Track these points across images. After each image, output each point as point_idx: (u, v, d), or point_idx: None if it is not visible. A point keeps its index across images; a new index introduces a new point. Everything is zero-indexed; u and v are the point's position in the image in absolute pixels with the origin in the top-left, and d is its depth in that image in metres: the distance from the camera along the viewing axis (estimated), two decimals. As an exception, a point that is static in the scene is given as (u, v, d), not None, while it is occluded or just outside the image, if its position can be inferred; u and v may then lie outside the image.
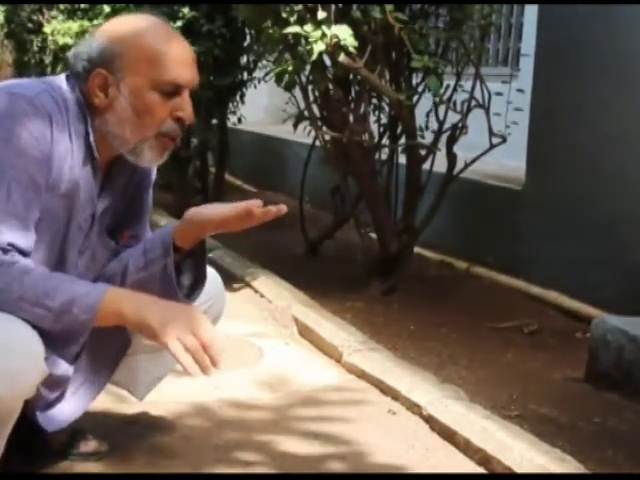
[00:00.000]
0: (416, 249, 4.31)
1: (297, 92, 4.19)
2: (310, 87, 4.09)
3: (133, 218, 2.10)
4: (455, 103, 3.94)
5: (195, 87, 1.90)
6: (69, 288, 1.74)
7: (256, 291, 3.96)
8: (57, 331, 1.77)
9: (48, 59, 8.59)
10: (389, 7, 3.53)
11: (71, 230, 1.90)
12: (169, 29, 1.90)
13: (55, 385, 1.99)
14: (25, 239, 1.76)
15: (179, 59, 1.85)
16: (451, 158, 3.98)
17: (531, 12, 5.02)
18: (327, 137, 4.17)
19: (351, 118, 3.96)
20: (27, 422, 1.97)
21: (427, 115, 4.07)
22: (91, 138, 1.87)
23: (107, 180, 1.98)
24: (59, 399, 2.04)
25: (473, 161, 4.01)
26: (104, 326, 1.80)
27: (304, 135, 4.59)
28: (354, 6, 3.62)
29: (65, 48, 6.58)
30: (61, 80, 1.90)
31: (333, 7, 3.50)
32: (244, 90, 5.74)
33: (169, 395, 2.50)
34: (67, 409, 2.06)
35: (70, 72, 1.90)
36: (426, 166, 4.08)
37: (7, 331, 1.70)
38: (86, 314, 1.73)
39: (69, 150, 1.84)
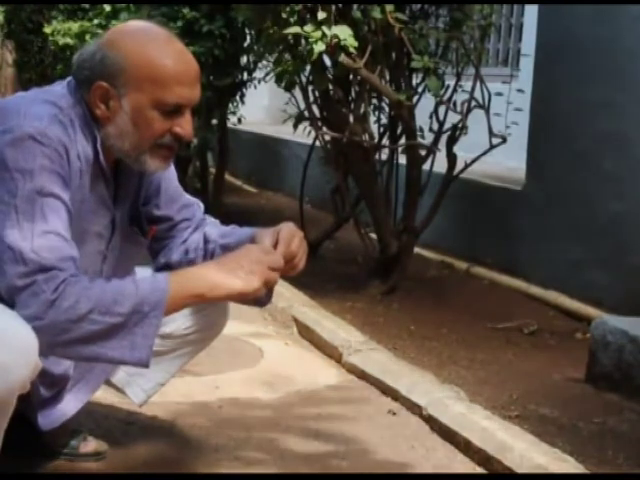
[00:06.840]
0: (416, 249, 4.31)
1: (297, 92, 4.19)
2: (310, 87, 4.09)
3: (161, 209, 2.10)
4: (455, 103, 3.94)
5: (196, 103, 1.89)
6: (134, 289, 1.77)
7: (256, 291, 3.95)
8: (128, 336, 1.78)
9: (48, 59, 8.60)
10: (389, 7, 3.53)
11: (88, 240, 1.93)
12: (174, 43, 1.86)
13: (54, 383, 2.00)
14: (73, 251, 1.79)
15: (182, 79, 1.84)
16: (451, 158, 3.98)
17: (531, 12, 5.02)
18: (327, 137, 4.18)
19: (351, 118, 3.96)
20: (26, 423, 1.97)
21: (430, 117, 4.07)
22: (101, 157, 1.88)
23: (119, 186, 2.00)
24: (56, 397, 2.04)
25: (473, 161, 4.01)
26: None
27: (304, 135, 4.58)
28: (354, 6, 3.62)
29: (65, 48, 6.57)
30: (64, 93, 1.88)
31: (333, 7, 3.50)
32: (244, 90, 5.74)
33: (169, 395, 2.50)
34: (62, 407, 2.06)
35: (74, 78, 1.89)
36: (426, 166, 4.09)
37: (0, 325, 1.71)
38: (157, 309, 1.76)
39: (78, 171, 1.85)
